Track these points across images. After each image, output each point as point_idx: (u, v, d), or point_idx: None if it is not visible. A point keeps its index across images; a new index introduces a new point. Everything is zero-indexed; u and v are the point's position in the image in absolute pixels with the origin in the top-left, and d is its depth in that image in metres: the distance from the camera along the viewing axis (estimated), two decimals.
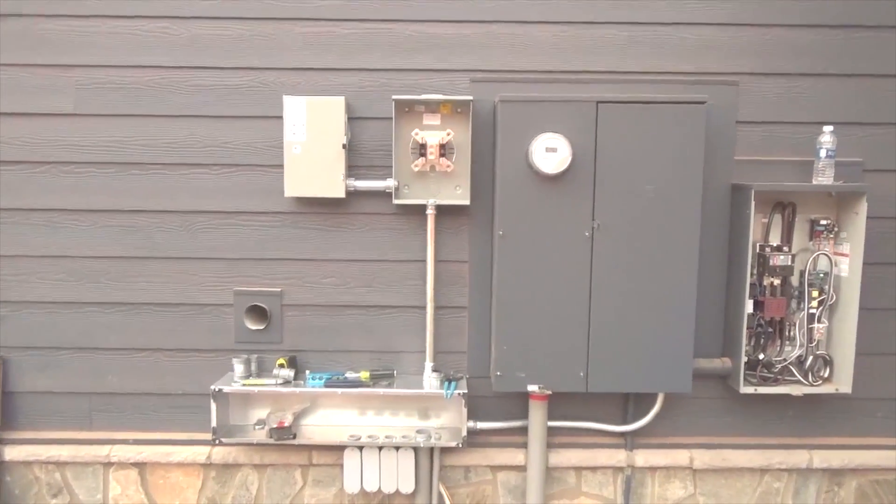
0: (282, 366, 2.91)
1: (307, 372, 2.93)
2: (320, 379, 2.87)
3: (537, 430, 2.95)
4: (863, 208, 2.78)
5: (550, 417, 2.98)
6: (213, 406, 2.81)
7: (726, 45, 2.90)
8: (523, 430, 3.01)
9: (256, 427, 2.93)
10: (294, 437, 2.86)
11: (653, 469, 3.11)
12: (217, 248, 2.97)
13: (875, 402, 3.10)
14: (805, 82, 2.93)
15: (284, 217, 2.95)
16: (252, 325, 2.98)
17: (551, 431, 3.02)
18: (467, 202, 2.83)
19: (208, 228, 2.96)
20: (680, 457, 3.08)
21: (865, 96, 2.94)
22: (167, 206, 2.95)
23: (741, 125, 2.94)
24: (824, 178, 2.82)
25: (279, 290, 2.98)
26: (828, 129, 2.80)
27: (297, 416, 2.94)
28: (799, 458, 3.09)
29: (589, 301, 2.76)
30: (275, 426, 2.84)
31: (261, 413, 2.99)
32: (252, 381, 2.89)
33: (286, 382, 2.89)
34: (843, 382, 2.90)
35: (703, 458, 3.08)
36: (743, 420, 3.10)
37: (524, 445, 3.03)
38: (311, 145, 2.78)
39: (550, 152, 2.65)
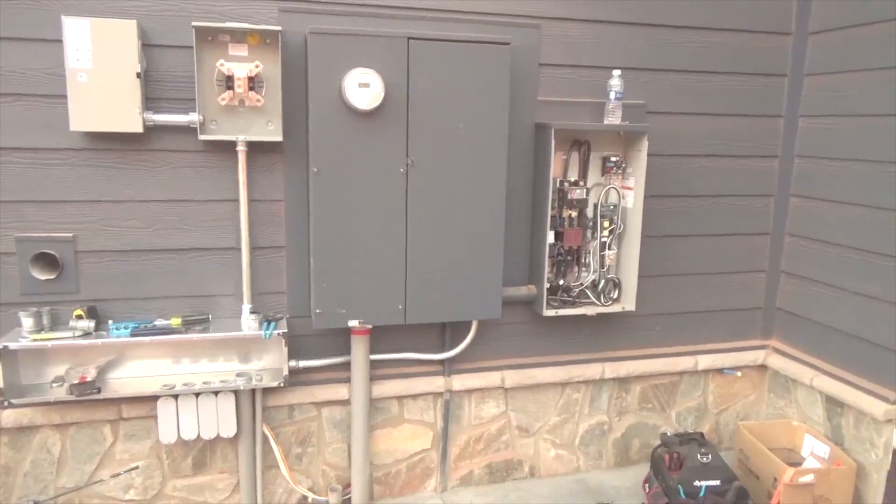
0: (80, 317, 2.68)
1: (110, 322, 2.73)
2: (126, 328, 2.69)
3: (360, 365, 3.02)
4: (644, 146, 3.11)
5: (372, 351, 3.07)
6: None
7: None
8: (346, 366, 3.07)
9: (54, 385, 2.69)
10: (99, 391, 2.67)
11: (469, 391, 3.33)
12: None
13: (654, 318, 3.56)
14: (599, 28, 3.17)
15: (73, 154, 2.66)
16: (41, 275, 2.69)
17: (373, 364, 3.11)
18: (280, 138, 2.74)
19: None
20: (493, 378, 3.33)
21: (648, 44, 3.25)
22: None
23: (543, 67, 3.12)
24: (613, 118, 3.10)
25: (71, 235, 2.71)
26: (616, 73, 3.06)
27: (102, 370, 2.74)
28: (593, 370, 3.47)
29: (405, 236, 2.84)
30: (76, 382, 2.63)
31: (59, 369, 2.74)
32: (45, 335, 2.63)
33: (86, 334, 2.67)
34: (628, 301, 3.28)
35: (513, 377, 3.35)
36: (547, 340, 3.41)
37: (348, 380, 3.10)
38: (100, 73, 2.51)
39: (363, 88, 2.64)
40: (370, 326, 2.93)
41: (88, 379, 2.64)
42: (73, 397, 2.63)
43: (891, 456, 2.96)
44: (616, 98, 3.07)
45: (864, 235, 3.14)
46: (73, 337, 2.64)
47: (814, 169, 3.42)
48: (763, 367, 3.76)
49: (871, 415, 3.05)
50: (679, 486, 3.05)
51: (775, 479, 3.08)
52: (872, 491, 3.07)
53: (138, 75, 2.54)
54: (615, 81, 3.06)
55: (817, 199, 3.40)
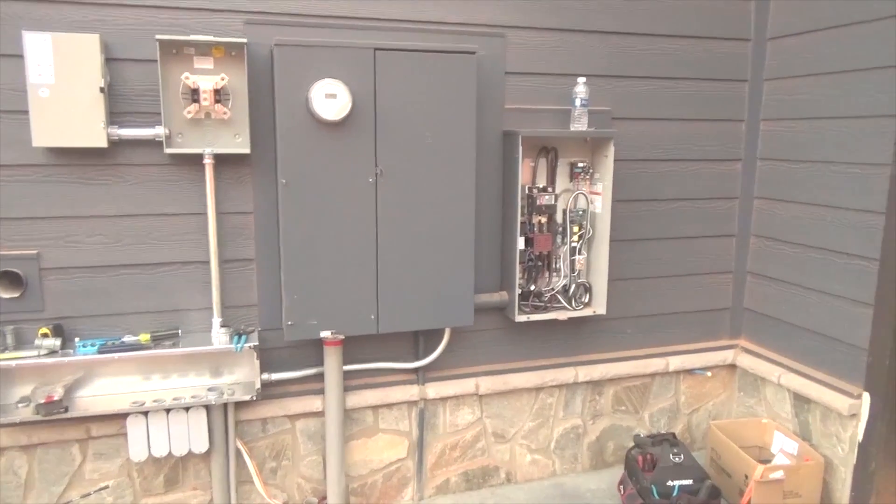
0: (45, 335, 2.63)
1: (77, 340, 2.69)
2: (93, 346, 2.65)
3: (333, 376, 3.01)
4: (610, 151, 3.15)
5: (345, 361, 3.06)
6: None
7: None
8: (320, 377, 3.06)
9: (20, 405, 2.64)
10: (66, 410, 2.63)
11: (444, 399, 3.34)
12: None
13: (624, 321, 3.60)
14: (563, 37, 3.21)
15: (35, 170, 2.62)
16: (4, 294, 2.64)
17: (347, 375, 3.10)
18: (248, 150, 2.73)
19: None
20: (467, 385, 3.34)
21: (612, 51, 3.31)
22: None
23: (509, 76, 3.16)
24: (580, 124, 3.15)
25: (35, 252, 2.67)
26: (581, 80, 3.11)
27: (69, 388, 2.70)
28: (567, 374, 3.50)
29: (376, 246, 2.85)
30: (42, 401, 2.58)
31: (25, 389, 2.69)
32: (9, 354, 2.58)
33: (51, 353, 2.62)
34: (599, 305, 3.32)
35: (487, 384, 3.37)
36: (520, 346, 3.43)
37: (321, 392, 3.08)
38: (62, 88, 2.48)
39: (330, 98, 2.64)
40: (343, 337, 2.92)
41: (55, 398, 2.59)
42: (39, 417, 2.59)
43: (857, 450, 3.04)
44: (582, 105, 3.12)
45: (824, 235, 3.22)
46: (39, 356, 2.60)
47: (775, 171, 3.51)
48: (732, 367, 3.82)
49: (837, 410, 3.12)
50: (653, 487, 3.08)
51: (746, 477, 3.13)
52: (840, 485, 3.14)
53: (102, 90, 2.52)
54: (580, 88, 3.10)
55: (780, 200, 3.48)
